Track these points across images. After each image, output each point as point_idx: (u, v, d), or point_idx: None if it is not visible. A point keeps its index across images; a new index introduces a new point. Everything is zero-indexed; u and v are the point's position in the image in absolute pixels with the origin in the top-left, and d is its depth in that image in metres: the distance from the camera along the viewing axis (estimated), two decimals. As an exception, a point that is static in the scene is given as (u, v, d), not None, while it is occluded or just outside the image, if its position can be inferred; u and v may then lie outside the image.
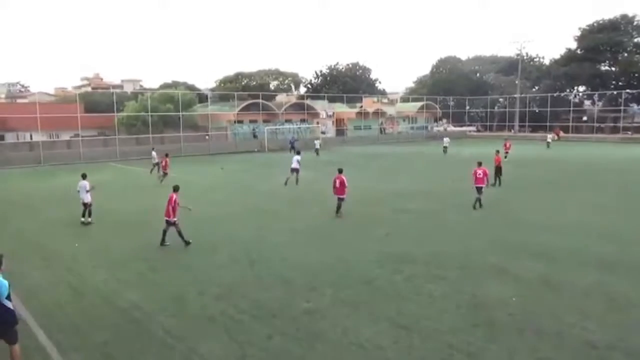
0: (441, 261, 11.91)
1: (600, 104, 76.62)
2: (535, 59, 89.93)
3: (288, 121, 59.81)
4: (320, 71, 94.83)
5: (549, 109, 70.62)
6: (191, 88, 77.84)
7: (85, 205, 16.51)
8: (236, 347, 7.75)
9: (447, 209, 18.48)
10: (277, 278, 10.86)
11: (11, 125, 46.74)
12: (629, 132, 65.52)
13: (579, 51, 78.80)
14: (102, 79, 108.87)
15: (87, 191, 16.54)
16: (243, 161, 39.78)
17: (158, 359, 7.52)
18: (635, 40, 76.53)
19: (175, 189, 14.01)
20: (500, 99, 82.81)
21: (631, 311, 8.87)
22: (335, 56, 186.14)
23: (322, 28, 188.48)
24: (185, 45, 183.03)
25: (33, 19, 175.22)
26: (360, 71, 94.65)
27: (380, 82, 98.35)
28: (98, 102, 59.18)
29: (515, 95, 76.08)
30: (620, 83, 75.55)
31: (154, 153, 31.52)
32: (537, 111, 75.81)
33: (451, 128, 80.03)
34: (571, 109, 71.12)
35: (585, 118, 75.23)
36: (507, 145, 36.48)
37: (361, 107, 69.25)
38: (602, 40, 74.98)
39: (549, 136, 53.58)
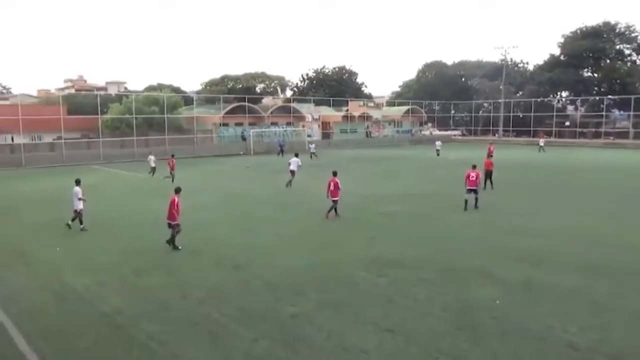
0: (426, 264, 11.98)
1: (583, 109, 77.85)
2: (519, 65, 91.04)
3: (274, 124, 59.78)
4: (307, 74, 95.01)
5: (532, 114, 71.67)
6: (177, 90, 77.44)
7: (75, 212, 16.04)
8: (220, 352, 7.71)
9: (433, 212, 18.59)
10: (262, 282, 10.83)
11: (-8, 126, 45.98)
12: (611, 137, 66.58)
13: (562, 57, 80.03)
14: (85, 81, 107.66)
15: (80, 199, 16.02)
16: (228, 164, 39.62)
17: (141, 364, 7.44)
18: (617, 47, 78.01)
19: (177, 190, 13.87)
20: (485, 104, 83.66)
21: (612, 314, 9.00)
22: (322, 60, 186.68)
23: (309, 31, 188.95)
24: (170, 48, 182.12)
25: (15, 19, 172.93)
26: (347, 75, 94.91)
27: (366, 86, 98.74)
28: (82, 104, 58.53)
29: (499, 100, 76.90)
30: (602, 89, 76.86)
31: (151, 157, 31.12)
32: (521, 116, 76.75)
33: (436, 132, 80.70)
34: (554, 114, 72.32)
35: (568, 123, 76.35)
36: (491, 149, 37.02)
37: (347, 110, 69.48)
38: (585, 47, 76.26)
39: (542, 140, 54.49)
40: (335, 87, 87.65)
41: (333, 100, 69.59)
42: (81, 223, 16.05)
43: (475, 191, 18.98)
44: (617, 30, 77.95)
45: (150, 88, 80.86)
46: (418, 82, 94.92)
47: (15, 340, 8.14)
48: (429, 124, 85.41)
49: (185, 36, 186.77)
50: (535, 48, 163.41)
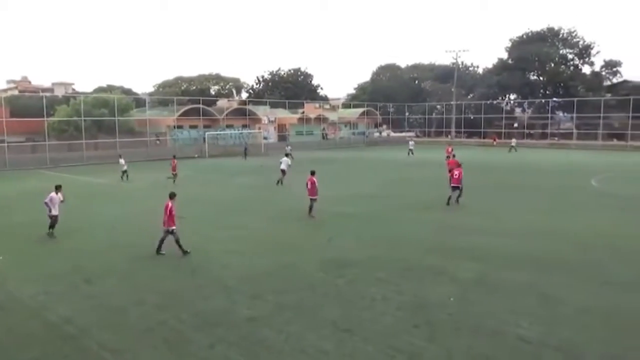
0: (383, 264, 12.14)
1: (530, 111, 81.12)
2: (470, 68, 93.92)
3: (229, 126, 59.19)
4: (262, 76, 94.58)
5: (482, 116, 74.15)
6: (128, 92, 75.38)
7: (53, 218, 15.36)
8: (176, 358, 7.55)
9: (390, 213, 18.87)
10: (219, 286, 10.68)
11: None
12: (556, 138, 69.61)
13: (510, 61, 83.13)
14: (30, 82, 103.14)
15: (62, 201, 15.65)
16: (183, 167, 38.87)
17: (92, 374, 7.18)
18: (561, 51, 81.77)
19: (172, 196, 13.42)
20: (438, 106, 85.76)
21: (561, 307, 9.39)
22: (277, 61, 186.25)
23: (264, 33, 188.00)
24: (121, 48, 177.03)
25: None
26: (302, 77, 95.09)
27: (322, 88, 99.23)
28: (26, 106, 55.94)
29: (451, 103, 79.08)
30: (547, 92, 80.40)
31: (122, 160, 30.40)
32: (472, 118, 79.18)
33: (391, 134, 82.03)
34: (503, 115, 75.04)
35: (516, 125, 79.37)
36: (449, 150, 38.17)
37: (303, 112, 69.61)
38: (530, 51, 79.50)
39: (513, 141, 56.81)
40: (291, 89, 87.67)
41: (289, 102, 69.59)
42: (51, 227, 15.45)
43: (457, 188, 20.22)
44: (561, 36, 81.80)
45: (100, 89, 78.41)
46: (373, 84, 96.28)
47: (-45, 355, 7.70)
48: (384, 126, 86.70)
49: (136, 36, 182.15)
50: (485, 52, 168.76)
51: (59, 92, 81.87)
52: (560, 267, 11.94)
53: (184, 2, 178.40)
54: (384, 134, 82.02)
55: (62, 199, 15.70)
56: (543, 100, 76.44)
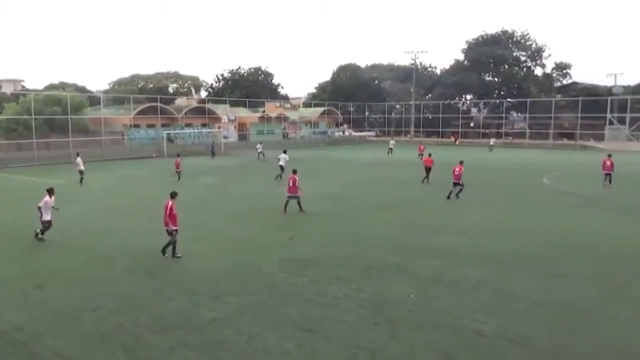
0: (345, 263, 12.22)
1: (485, 111, 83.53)
2: (428, 69, 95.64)
3: (188, 125, 58.20)
4: (222, 75, 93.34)
5: (440, 116, 75.86)
6: (81, 90, 72.91)
7: (47, 224, 14.52)
8: (134, 364, 7.36)
9: (352, 212, 19.01)
10: (179, 288, 10.49)
11: None
12: (510, 137, 71.92)
13: (466, 63, 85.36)
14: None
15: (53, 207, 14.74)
16: (141, 167, 37.99)
17: (45, 383, 6.92)
18: (515, 54, 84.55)
19: (173, 195, 12.96)
20: (397, 106, 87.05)
21: (515, 302, 9.70)
22: (237, 60, 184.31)
23: (224, 31, 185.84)
24: (74, 44, 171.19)
25: None
26: (263, 76, 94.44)
27: (282, 87, 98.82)
28: (-29, 103, 53.40)
29: (410, 102, 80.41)
30: (502, 92, 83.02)
31: (79, 159, 28.30)
32: (430, 117, 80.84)
33: (352, 133, 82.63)
34: (460, 115, 77.06)
35: (472, 124, 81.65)
36: (421, 148, 39.28)
37: (264, 111, 69.19)
38: (486, 53, 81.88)
39: (492, 140, 58.61)
40: (251, 88, 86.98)
41: (249, 101, 69.02)
42: (42, 233, 14.56)
43: (458, 184, 21.55)
44: (514, 39, 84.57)
45: (52, 87, 75.48)
46: (333, 84, 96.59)
47: None
48: (345, 125, 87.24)
49: (90, 32, 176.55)
50: (443, 53, 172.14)
51: (8, 89, 78.35)
52: (515, 263, 12.34)
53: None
54: (346, 133, 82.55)
55: (53, 204, 14.77)
56: (498, 101, 78.95)
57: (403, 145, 67.82)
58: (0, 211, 19.45)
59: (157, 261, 12.43)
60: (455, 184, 21.76)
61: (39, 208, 14.49)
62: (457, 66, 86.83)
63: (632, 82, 76.53)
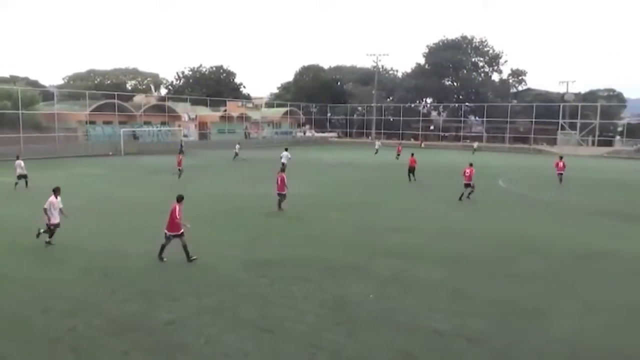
0: (305, 263, 12.24)
1: (445, 114, 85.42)
2: (390, 72, 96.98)
3: (147, 123, 56.98)
4: (183, 73, 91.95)
5: (401, 118, 77.00)
6: (34, 84, 70.25)
7: (53, 227, 13.39)
8: (87, 368, 7.15)
9: (314, 212, 19.06)
10: (135, 290, 10.24)
11: None
12: (468, 140, 73.76)
13: (427, 66, 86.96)
14: None
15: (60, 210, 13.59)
16: (96, 165, 36.90)
17: (-9, 389, 6.63)
18: (473, 59, 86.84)
19: (179, 199, 12.40)
20: (359, 108, 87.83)
21: (471, 301, 9.96)
22: (198, 58, 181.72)
23: (185, 29, 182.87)
24: (27, 37, 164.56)
25: None
26: (225, 75, 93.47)
27: (244, 87, 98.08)
28: None
29: (372, 105, 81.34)
30: (460, 97, 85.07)
31: (19, 161, 24.31)
32: (391, 120, 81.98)
33: (315, 134, 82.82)
34: (420, 118, 78.48)
35: (432, 127, 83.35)
36: (399, 149, 40.68)
37: (225, 110, 68.46)
38: (445, 58, 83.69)
39: (475, 144, 60.50)
40: (213, 86, 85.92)
41: (210, 100, 68.16)
42: (50, 237, 13.47)
43: (469, 185, 22.30)
44: (473, 44, 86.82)
45: (2, 80, 72.38)
46: (296, 84, 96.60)
47: None
48: (307, 126, 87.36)
49: (44, 24, 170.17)
50: (404, 56, 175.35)
51: (-47, 82, 74.67)
52: (471, 262, 12.66)
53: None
54: (308, 133, 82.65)
55: (60, 205, 13.60)
56: (457, 105, 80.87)
57: (361, 146, 68.62)
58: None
59: (113, 262, 12.11)
60: (466, 185, 22.56)
61: (45, 210, 13.32)
62: (418, 70, 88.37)
63: (583, 90, 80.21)
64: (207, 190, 24.33)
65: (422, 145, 61.69)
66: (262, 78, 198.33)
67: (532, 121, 67.82)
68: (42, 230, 13.48)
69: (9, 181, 24.62)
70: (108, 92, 61.46)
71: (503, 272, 11.94)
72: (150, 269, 11.72)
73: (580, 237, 15.83)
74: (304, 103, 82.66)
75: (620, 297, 10.33)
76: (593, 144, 66.81)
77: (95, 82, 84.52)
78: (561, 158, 29.67)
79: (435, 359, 7.65)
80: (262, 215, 18.35)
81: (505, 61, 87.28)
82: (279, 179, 19.07)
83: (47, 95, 58.21)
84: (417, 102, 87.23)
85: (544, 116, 66.91)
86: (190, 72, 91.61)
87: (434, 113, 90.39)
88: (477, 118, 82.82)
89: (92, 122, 51.91)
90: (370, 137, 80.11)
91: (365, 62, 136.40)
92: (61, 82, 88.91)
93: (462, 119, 77.26)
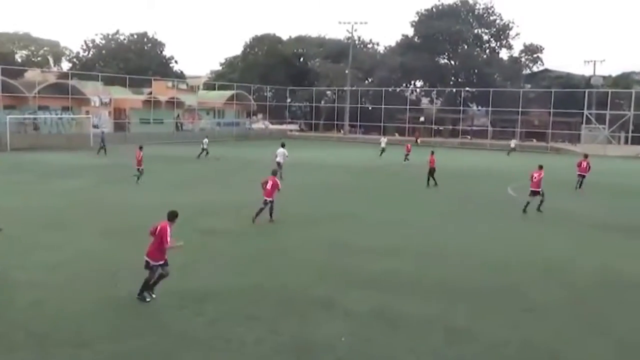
0: (255, 297, 12.20)
1: (439, 102, 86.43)
2: (368, 45, 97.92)
3: (43, 108, 55.75)
4: (93, 41, 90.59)
5: (383, 106, 76.97)
6: None
7: None
8: None
9: (267, 228, 19.06)
10: (26, 333, 10.01)
11: None
12: (468, 137, 74.88)
13: (416, 39, 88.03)
14: None
15: None
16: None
17: None
18: (476, 31, 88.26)
19: (171, 216, 12.06)
20: (328, 92, 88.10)
21: (472, 343, 10.13)
22: (115, 23, 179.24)
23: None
24: None
25: None
26: (150, 45, 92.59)
27: (176, 62, 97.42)
28: None
29: (345, 88, 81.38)
30: (459, 79, 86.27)
31: None
32: (370, 108, 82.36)
33: (269, 126, 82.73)
34: (407, 107, 78.61)
35: (422, 119, 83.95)
36: (409, 147, 44.05)
37: (150, 93, 67.64)
38: (440, 29, 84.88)
39: (513, 142, 61.27)
40: (134, 61, 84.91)
41: (130, 78, 67.23)
42: None
43: (538, 193, 23.31)
44: (476, 12, 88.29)
45: None
46: (245, 60, 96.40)
47: None
48: (260, 115, 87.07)
49: None
50: (387, 26, 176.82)
51: None
52: (472, 293, 12.88)
53: None
54: (260, 125, 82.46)
55: None
56: (454, 90, 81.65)
57: (334, 144, 68.91)
58: None
59: (-4, 296, 11.82)
60: (534, 193, 23.27)
61: None
62: (405, 43, 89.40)
63: (614, 72, 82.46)
64: (128, 200, 23.99)
65: (419, 141, 62.53)
66: (200, 51, 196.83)
67: (549, 112, 69.30)
68: None
69: None
70: (-12, 66, 59.94)
71: (512, 304, 12.20)
72: (45, 305, 11.45)
73: (610, 260, 16.31)
74: (256, 85, 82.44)
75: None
76: (626, 142, 68.75)
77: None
78: (586, 157, 31.22)
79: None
80: (200, 231, 18.20)
81: (517, 34, 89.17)
82: (270, 183, 19.57)
83: None
84: (404, 85, 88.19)
85: (564, 105, 68.25)
86: (103, 41, 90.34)
87: (425, 100, 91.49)
88: (480, 107, 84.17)
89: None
90: (342, 131, 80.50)
91: (336, 33, 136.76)
92: None
93: (462, 108, 77.74)
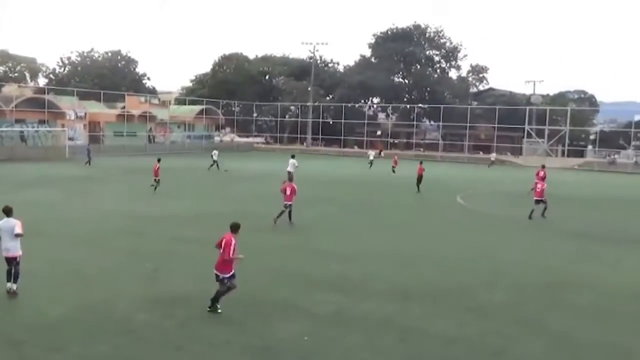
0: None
1: (394, 117, 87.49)
2: (329, 65, 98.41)
3: (20, 121, 54.55)
4: (69, 58, 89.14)
5: (343, 121, 77.70)
6: None
7: (11, 261, 11.77)
8: None
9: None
10: (3, 340, 9.70)
11: None
12: (421, 149, 75.87)
13: (373, 59, 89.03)
14: None
15: (17, 235, 11.82)
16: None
17: None
18: (427, 52, 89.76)
19: (234, 228, 11.42)
20: (292, 107, 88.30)
21: (425, 341, 10.20)
22: (90, 41, 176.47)
23: (74, 2, 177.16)
24: None
25: None
26: (123, 62, 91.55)
27: (149, 79, 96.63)
28: None
29: (308, 104, 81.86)
30: (413, 96, 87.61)
31: None
32: (331, 122, 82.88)
33: (236, 138, 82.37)
34: (366, 121, 79.58)
35: (379, 132, 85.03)
36: (395, 160, 45.56)
37: (124, 108, 66.97)
38: (395, 50, 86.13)
39: (493, 155, 61.84)
40: (108, 77, 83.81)
41: (105, 93, 66.37)
42: (16, 280, 11.78)
43: (541, 201, 24.16)
44: (427, 35, 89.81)
45: None
46: (214, 77, 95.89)
47: None
48: (228, 129, 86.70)
49: None
50: (347, 47, 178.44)
51: None
52: (425, 294, 12.99)
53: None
54: (227, 137, 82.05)
55: (19, 231, 11.82)
56: (408, 106, 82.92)
57: (298, 156, 69.15)
58: None
59: (-29, 302, 11.42)
60: (537, 202, 24.19)
61: (15, 235, 11.72)
62: (363, 63, 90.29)
63: (552, 91, 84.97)
64: (99, 209, 23.54)
65: (382, 154, 63.22)
66: (171, 68, 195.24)
67: (494, 127, 70.77)
68: (14, 286, 12.00)
69: None
70: (-33, 81, 58.47)
71: (461, 305, 12.33)
72: (20, 312, 11.19)
73: (552, 262, 16.64)
74: (224, 100, 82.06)
75: (592, 334, 10.94)
76: (563, 154, 70.71)
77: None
78: (543, 167, 32.96)
79: (382, 414, 7.76)
80: (170, 239, 17.97)
81: (465, 56, 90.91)
82: (289, 189, 20.95)
83: None
84: (362, 101, 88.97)
85: (508, 121, 69.95)
86: (79, 58, 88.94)
87: (381, 115, 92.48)
88: (432, 122, 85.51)
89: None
90: (304, 144, 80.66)
91: (299, 52, 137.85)
92: None
93: (415, 123, 79.14)
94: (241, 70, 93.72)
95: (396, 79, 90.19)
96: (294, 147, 77.43)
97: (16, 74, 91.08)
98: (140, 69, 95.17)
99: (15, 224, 11.83)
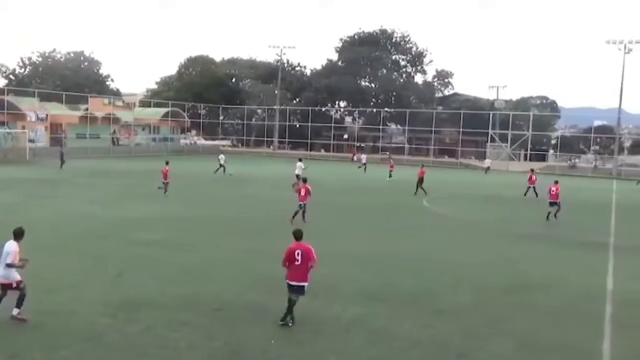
0: (189, 304, 11.94)
1: (361, 121, 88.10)
2: (296, 68, 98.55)
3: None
4: (29, 59, 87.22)
5: (310, 124, 77.79)
6: None
7: (8, 288, 10.76)
8: None
9: (203, 240, 18.69)
10: (-43, 345, 9.41)
11: None
12: (387, 153, 76.47)
13: (340, 63, 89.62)
14: None
15: (8, 265, 10.73)
16: None
17: None
18: (394, 57, 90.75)
19: (298, 235, 11.32)
20: (259, 110, 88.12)
21: (392, 342, 10.24)
22: (52, 41, 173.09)
23: (34, 2, 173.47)
24: None
25: None
26: (86, 63, 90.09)
27: (112, 80, 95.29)
28: None
29: (274, 107, 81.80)
30: (379, 100, 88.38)
31: None
32: (297, 126, 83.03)
33: (202, 141, 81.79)
34: (332, 125, 79.87)
35: (346, 136, 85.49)
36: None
37: (87, 109, 65.94)
38: (362, 54, 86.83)
39: (487, 161, 62.51)
40: (70, 78, 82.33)
41: (67, 95, 65.17)
42: (18, 304, 10.67)
43: (556, 203, 25.51)
44: (394, 40, 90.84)
45: None
46: (180, 79, 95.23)
47: None
48: (193, 131, 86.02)
49: None
50: (314, 50, 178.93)
51: None
52: (390, 297, 13.08)
53: None
54: (192, 140, 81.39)
55: (9, 262, 10.75)
56: (375, 110, 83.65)
57: (265, 159, 68.90)
58: None
59: None
60: (552, 204, 25.60)
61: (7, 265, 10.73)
62: (330, 67, 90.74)
63: (515, 97, 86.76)
64: (62, 212, 23.06)
65: (355, 158, 63.43)
66: (136, 70, 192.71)
67: (459, 131, 71.82)
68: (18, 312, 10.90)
69: None
70: None
71: (426, 307, 12.46)
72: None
73: (517, 265, 16.93)
74: (190, 103, 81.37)
75: (554, 336, 11.13)
76: (525, 159, 72.12)
77: None
78: (532, 171, 36.10)
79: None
80: (133, 242, 17.68)
81: (431, 61, 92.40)
82: (304, 190, 22.03)
83: None
84: (329, 105, 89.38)
85: (472, 125, 71.04)
86: (40, 59, 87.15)
87: (348, 119, 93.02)
88: (398, 126, 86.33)
89: None
90: (271, 147, 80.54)
91: (266, 56, 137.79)
92: None
93: (381, 127, 79.54)
94: (207, 72, 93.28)
95: (363, 83, 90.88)
96: (260, 149, 77.26)
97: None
98: (104, 70, 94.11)
99: (9, 253, 10.86)
